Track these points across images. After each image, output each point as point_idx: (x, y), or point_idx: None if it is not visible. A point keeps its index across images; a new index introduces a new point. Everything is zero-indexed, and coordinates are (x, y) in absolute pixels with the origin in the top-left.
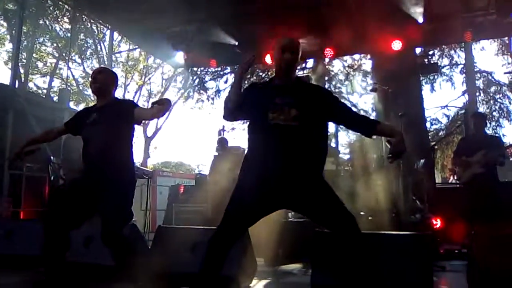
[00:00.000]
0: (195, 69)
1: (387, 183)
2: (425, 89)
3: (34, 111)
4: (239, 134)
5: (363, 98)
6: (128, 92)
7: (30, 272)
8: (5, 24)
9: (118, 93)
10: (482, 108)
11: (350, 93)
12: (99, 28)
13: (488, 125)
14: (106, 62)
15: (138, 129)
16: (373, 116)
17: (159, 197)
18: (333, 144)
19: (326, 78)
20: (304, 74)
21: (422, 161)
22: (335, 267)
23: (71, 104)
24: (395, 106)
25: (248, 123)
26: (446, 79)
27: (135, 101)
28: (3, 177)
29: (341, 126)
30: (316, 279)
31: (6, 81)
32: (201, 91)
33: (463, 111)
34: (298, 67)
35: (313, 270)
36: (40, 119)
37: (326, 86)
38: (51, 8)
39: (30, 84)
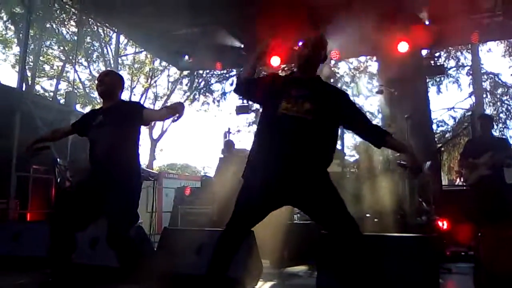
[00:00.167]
0: (200, 71)
1: (393, 185)
2: (432, 91)
3: (41, 113)
4: (244, 136)
5: (369, 100)
6: (134, 94)
7: (37, 274)
8: (12, 27)
9: (125, 96)
10: (489, 110)
11: (356, 95)
12: (105, 31)
13: (495, 127)
14: (112, 65)
15: (144, 131)
16: (379, 118)
17: (165, 199)
18: (338, 146)
19: (332, 80)
20: None
21: (428, 163)
22: (341, 269)
23: (78, 107)
24: (401, 108)
25: (259, 115)
26: (452, 81)
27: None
28: (10, 179)
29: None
30: (322, 281)
31: (14, 84)
32: (207, 94)
33: (469, 113)
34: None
35: (318, 272)
36: (47, 122)
37: None
38: (58, 12)
39: (37, 87)
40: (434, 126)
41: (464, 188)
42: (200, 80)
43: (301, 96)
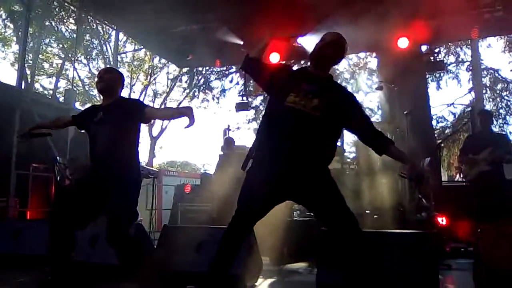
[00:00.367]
0: (200, 68)
1: (393, 181)
2: (431, 86)
3: (40, 111)
4: (244, 133)
5: (368, 97)
6: (134, 92)
7: (36, 272)
8: (11, 25)
9: (124, 94)
10: (488, 106)
11: (356, 91)
12: (104, 29)
13: (495, 122)
14: (112, 63)
15: (143, 129)
16: (378, 114)
17: (164, 197)
18: (338, 143)
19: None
20: None
21: (428, 159)
22: (341, 266)
23: (77, 105)
24: (401, 104)
25: (259, 112)
26: (452, 76)
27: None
28: (10, 177)
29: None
30: (322, 277)
31: (13, 82)
32: (206, 91)
33: (469, 109)
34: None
35: (318, 269)
36: (46, 120)
37: None
38: (57, 10)
39: (37, 85)
40: (434, 122)
41: (464, 184)
42: (200, 77)
43: (311, 91)
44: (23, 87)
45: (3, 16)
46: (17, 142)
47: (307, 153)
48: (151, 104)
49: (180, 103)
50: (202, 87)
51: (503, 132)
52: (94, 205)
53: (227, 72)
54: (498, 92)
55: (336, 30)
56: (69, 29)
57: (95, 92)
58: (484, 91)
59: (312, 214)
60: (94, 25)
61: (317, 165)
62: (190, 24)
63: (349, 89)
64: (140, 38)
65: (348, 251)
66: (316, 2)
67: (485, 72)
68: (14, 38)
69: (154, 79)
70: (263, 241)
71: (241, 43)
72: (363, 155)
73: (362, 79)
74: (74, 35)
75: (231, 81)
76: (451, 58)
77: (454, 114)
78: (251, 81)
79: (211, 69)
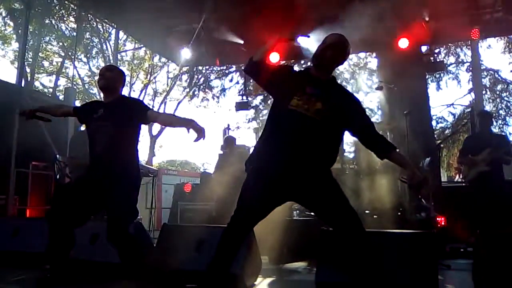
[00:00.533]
0: (200, 67)
1: (392, 182)
2: (431, 87)
3: None
4: (244, 133)
5: (368, 97)
6: (134, 90)
7: (36, 270)
8: (11, 23)
9: (124, 92)
10: (488, 107)
11: (356, 91)
12: (104, 27)
13: (495, 123)
14: (112, 61)
15: (143, 128)
16: (378, 114)
17: (164, 196)
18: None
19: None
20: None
21: (427, 159)
22: (340, 265)
23: (77, 103)
24: (400, 104)
25: (258, 111)
26: (452, 77)
27: (140, 99)
28: (9, 175)
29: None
30: (321, 277)
31: (13, 80)
32: (206, 90)
33: (469, 110)
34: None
35: (318, 268)
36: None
37: None
38: (57, 8)
39: (36, 83)
40: (434, 123)
41: (463, 184)
42: (200, 76)
43: (314, 94)
44: (23, 85)
45: (3, 14)
46: (17, 140)
47: (309, 156)
48: (151, 103)
49: (180, 102)
50: (202, 86)
51: (503, 133)
52: (93, 202)
53: (227, 71)
54: (498, 93)
55: (336, 30)
56: (69, 27)
57: (95, 90)
58: (484, 92)
59: (312, 213)
60: (94, 23)
61: (319, 168)
62: (190, 23)
63: (349, 89)
64: (140, 37)
65: (352, 251)
66: (317, 1)
67: (485, 73)
68: (14, 36)
69: (154, 78)
70: (263, 240)
71: (241, 42)
72: (363, 155)
73: (362, 79)
74: (74, 33)
75: (231, 80)
76: (451, 59)
77: (454, 114)
78: (251, 81)
79: (211, 68)
